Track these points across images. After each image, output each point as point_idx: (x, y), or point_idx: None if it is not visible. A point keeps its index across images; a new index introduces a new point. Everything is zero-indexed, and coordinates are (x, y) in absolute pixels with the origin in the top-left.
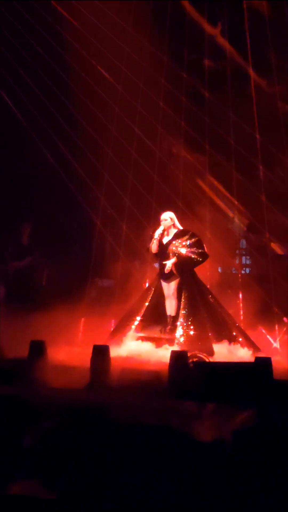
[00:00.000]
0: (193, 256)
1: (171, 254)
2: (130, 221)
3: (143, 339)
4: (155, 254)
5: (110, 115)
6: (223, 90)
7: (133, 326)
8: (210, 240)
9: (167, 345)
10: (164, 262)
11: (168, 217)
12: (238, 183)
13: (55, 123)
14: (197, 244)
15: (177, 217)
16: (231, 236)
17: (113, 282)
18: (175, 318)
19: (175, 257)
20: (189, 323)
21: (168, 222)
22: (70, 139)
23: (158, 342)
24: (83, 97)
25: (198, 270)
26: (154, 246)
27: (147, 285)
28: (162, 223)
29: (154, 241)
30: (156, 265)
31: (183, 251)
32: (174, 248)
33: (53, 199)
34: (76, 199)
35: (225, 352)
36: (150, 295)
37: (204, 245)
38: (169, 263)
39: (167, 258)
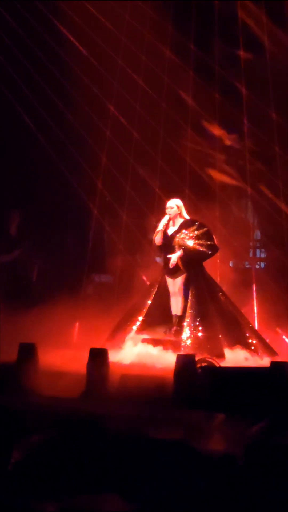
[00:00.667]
0: (201, 249)
1: (176, 247)
2: (131, 210)
3: (146, 341)
4: (159, 247)
5: (108, 91)
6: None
7: (134, 327)
8: (220, 231)
9: (172, 349)
10: (169, 256)
11: (174, 205)
12: (253, 167)
13: (45, 99)
14: (206, 236)
15: (185, 206)
16: (244, 227)
17: (111, 278)
18: (181, 318)
19: (181, 250)
20: (197, 323)
21: (174, 211)
22: (63, 116)
23: (162, 345)
24: (79, 71)
25: (207, 264)
26: (158, 238)
27: (150, 281)
28: (167, 211)
29: (158, 232)
30: (160, 259)
31: (191, 243)
32: (180, 240)
33: (44, 184)
34: (70, 184)
35: (237, 356)
36: (154, 293)
37: (214, 236)
38: (174, 257)
39: (173, 251)
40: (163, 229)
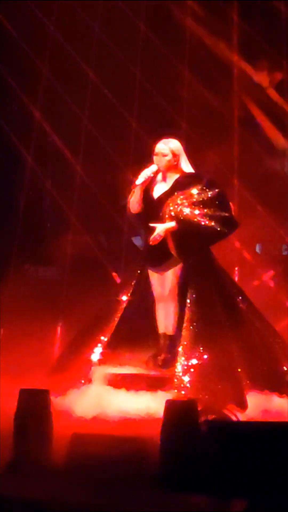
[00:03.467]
0: (209, 224)
1: (167, 217)
2: (90, 158)
3: (113, 379)
4: (138, 217)
5: None
6: None
7: (94, 354)
8: (241, 194)
9: (158, 390)
10: (152, 225)
11: (167, 149)
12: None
13: None
14: (218, 202)
15: (186, 152)
16: (282, 189)
17: (57, 271)
18: (174, 339)
19: (174, 222)
20: (201, 349)
21: (167, 160)
22: None
23: (141, 384)
24: None
25: (218, 249)
26: (134, 201)
27: (121, 278)
28: (155, 159)
29: (136, 190)
30: (138, 240)
31: (191, 212)
32: (173, 206)
33: None
34: None
35: (267, 404)
36: (127, 296)
37: (231, 204)
38: (160, 228)
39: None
40: (142, 185)
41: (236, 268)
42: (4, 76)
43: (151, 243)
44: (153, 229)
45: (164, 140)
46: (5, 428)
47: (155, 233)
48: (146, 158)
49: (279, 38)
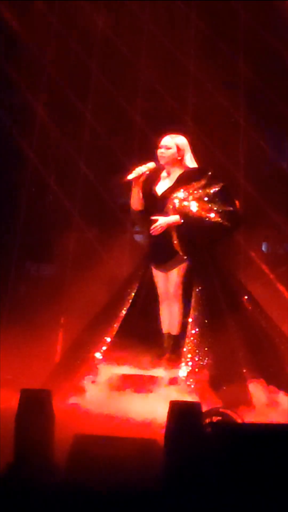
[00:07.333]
0: (213, 219)
1: (170, 211)
2: (93, 155)
3: (117, 379)
4: (140, 213)
5: None
6: None
7: (97, 355)
8: (246, 189)
9: (162, 390)
10: (154, 218)
11: (173, 144)
12: None
13: None
14: (223, 196)
15: (192, 148)
16: (286, 186)
17: (59, 269)
18: (178, 339)
19: (178, 216)
20: (205, 349)
21: (171, 154)
22: None
23: (145, 384)
24: None
25: (222, 249)
26: (134, 198)
27: (125, 277)
28: (159, 153)
29: (134, 187)
30: (141, 237)
31: (195, 207)
32: (178, 201)
33: None
34: None
35: (273, 402)
36: (131, 296)
37: (236, 201)
38: (163, 220)
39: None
40: (137, 182)
41: (241, 269)
42: (8, 72)
43: (151, 233)
44: (154, 224)
45: (170, 135)
46: (6, 429)
47: (156, 224)
48: (151, 155)
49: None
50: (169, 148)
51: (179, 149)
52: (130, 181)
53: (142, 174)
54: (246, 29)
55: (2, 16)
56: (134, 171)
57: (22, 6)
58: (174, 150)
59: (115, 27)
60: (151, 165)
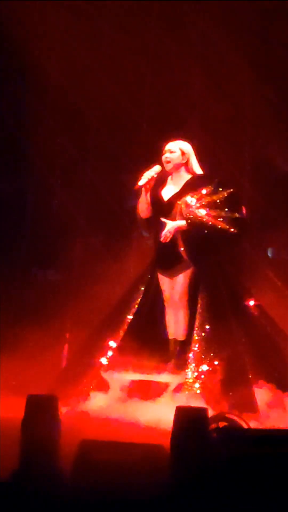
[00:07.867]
0: (220, 225)
1: (177, 217)
2: (99, 159)
3: (123, 385)
4: (147, 221)
5: None
6: None
7: (103, 360)
8: (251, 195)
9: (168, 395)
10: (164, 220)
11: (177, 149)
12: None
13: None
14: (231, 203)
15: (196, 154)
16: None
17: (64, 275)
18: (184, 345)
19: (185, 221)
20: (211, 354)
21: (177, 158)
22: None
23: (151, 390)
24: None
25: (227, 254)
26: (143, 204)
27: (131, 281)
28: (164, 158)
29: (143, 194)
30: (151, 242)
31: (202, 213)
32: (185, 206)
33: None
34: None
35: (279, 405)
36: (137, 302)
37: (243, 207)
38: (171, 225)
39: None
40: (146, 187)
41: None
42: (13, 77)
43: (162, 240)
44: (164, 227)
45: (174, 141)
46: (12, 435)
47: (165, 230)
48: (156, 161)
49: None
50: (173, 152)
51: (183, 152)
52: (140, 188)
53: (152, 178)
54: (254, 40)
55: (8, 20)
56: (143, 177)
57: (29, 8)
58: (178, 153)
59: (120, 30)
60: (157, 168)
